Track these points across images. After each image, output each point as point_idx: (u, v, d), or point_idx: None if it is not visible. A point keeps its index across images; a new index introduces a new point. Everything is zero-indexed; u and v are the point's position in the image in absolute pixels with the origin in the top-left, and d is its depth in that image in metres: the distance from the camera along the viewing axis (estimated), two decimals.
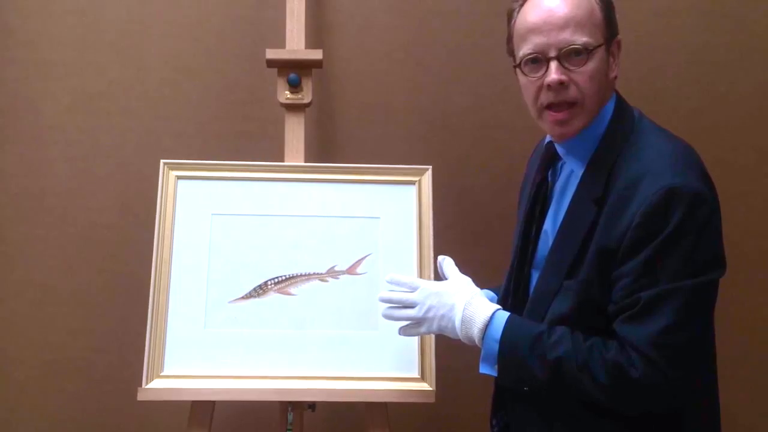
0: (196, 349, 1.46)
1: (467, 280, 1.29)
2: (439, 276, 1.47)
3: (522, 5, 1.19)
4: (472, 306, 1.20)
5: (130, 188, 1.80)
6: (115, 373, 1.80)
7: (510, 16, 1.22)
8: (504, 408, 1.30)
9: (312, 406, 1.53)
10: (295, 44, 1.66)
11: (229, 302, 1.49)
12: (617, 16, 1.21)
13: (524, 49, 1.17)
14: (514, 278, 1.29)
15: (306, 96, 1.65)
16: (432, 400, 1.44)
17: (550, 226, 1.24)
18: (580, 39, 1.14)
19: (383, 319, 1.33)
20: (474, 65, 1.81)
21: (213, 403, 1.48)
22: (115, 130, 1.81)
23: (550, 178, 1.27)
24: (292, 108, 1.65)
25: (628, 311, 1.08)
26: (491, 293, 1.38)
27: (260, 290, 1.50)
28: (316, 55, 1.65)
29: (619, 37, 1.20)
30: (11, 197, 1.81)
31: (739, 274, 1.83)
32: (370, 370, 1.45)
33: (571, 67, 1.14)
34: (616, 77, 1.20)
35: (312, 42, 1.75)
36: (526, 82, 1.18)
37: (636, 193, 1.09)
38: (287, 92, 1.65)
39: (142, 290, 1.50)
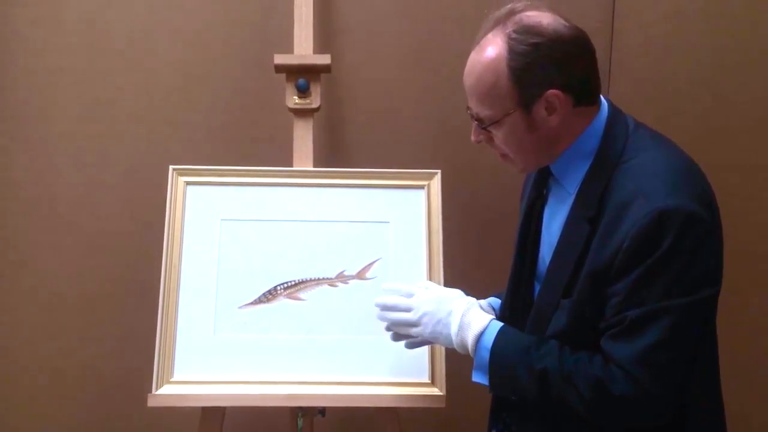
0: (206, 354, 1.46)
1: (459, 291, 1.30)
2: (446, 282, 1.48)
3: None
4: (470, 313, 1.21)
5: (140, 194, 1.80)
6: (124, 379, 1.81)
7: None
8: (503, 418, 1.30)
9: (322, 411, 1.52)
10: (303, 49, 1.67)
11: (239, 308, 1.49)
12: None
13: None
14: (512, 291, 1.31)
15: (314, 101, 1.65)
16: (443, 405, 1.43)
17: (546, 241, 1.24)
18: (482, 112, 1.15)
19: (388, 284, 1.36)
20: None
21: (223, 409, 1.48)
22: (124, 136, 1.81)
23: (545, 194, 1.27)
24: (301, 113, 1.65)
25: (614, 329, 1.08)
26: (497, 300, 1.38)
27: (270, 295, 1.50)
28: (324, 60, 1.65)
29: (553, 91, 1.10)
30: (21, 204, 1.82)
31: (749, 276, 1.82)
32: (381, 375, 1.45)
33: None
34: (561, 122, 1.13)
35: (320, 47, 1.75)
36: None
37: (627, 214, 1.07)
38: (295, 97, 1.65)
39: (151, 296, 1.50)
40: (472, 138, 1.20)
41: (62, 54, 1.79)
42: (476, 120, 1.17)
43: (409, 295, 1.28)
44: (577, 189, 1.17)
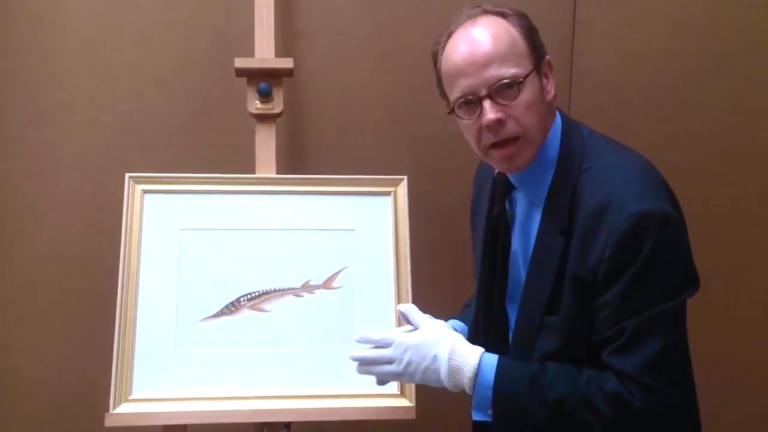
0: (167, 370, 1.41)
1: (441, 324, 1.22)
2: (414, 290, 1.45)
3: (444, 46, 1.16)
4: (456, 354, 1.13)
5: (94, 203, 1.74)
6: (80, 397, 1.74)
7: (434, 58, 1.19)
8: None
9: (287, 425, 1.49)
10: (265, 53, 1.63)
11: (201, 320, 1.45)
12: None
13: (455, 93, 1.14)
14: (485, 313, 1.27)
15: (277, 106, 1.61)
16: (412, 416, 1.41)
17: (520, 257, 1.21)
18: (508, 72, 1.10)
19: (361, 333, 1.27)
20: None
21: (185, 427, 1.43)
22: (78, 142, 1.75)
23: (508, 207, 1.24)
24: (263, 118, 1.61)
25: (614, 342, 1.07)
26: (460, 324, 1.35)
27: (232, 307, 1.46)
28: (287, 63, 1.61)
29: (548, 57, 1.16)
30: None
31: (709, 279, 1.84)
32: (349, 387, 1.42)
33: (505, 102, 1.10)
34: (555, 97, 1.17)
35: (282, 51, 1.72)
36: (465, 124, 1.16)
37: (603, 221, 1.07)
38: (257, 102, 1.61)
39: (108, 310, 1.45)
40: (490, 116, 1.10)
41: (13, 56, 1.72)
42: (502, 86, 1.09)
43: (388, 344, 1.18)
44: (543, 201, 1.16)
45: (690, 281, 1.10)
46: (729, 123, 1.84)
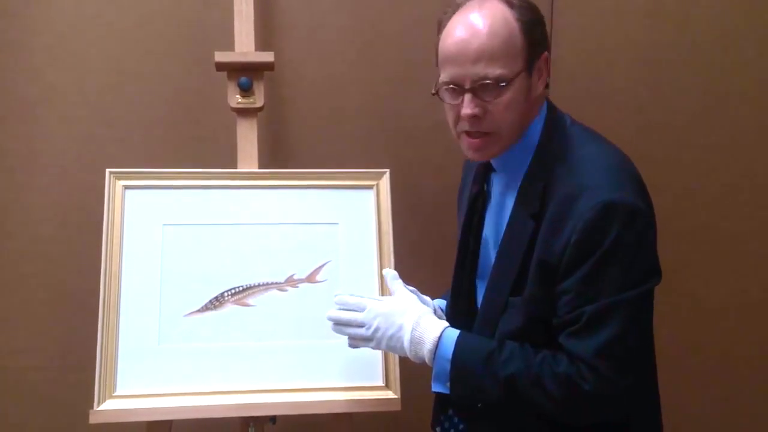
0: (151, 366, 1.40)
1: (413, 297, 1.27)
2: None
3: (449, 20, 1.15)
4: (420, 326, 1.19)
5: (73, 199, 1.72)
6: (64, 395, 1.73)
7: (438, 26, 1.18)
8: (449, 416, 1.30)
9: (273, 419, 1.49)
10: (245, 46, 1.62)
11: (185, 316, 1.44)
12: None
13: (443, 76, 1.15)
14: (456, 290, 1.31)
15: (258, 100, 1.60)
16: (398, 408, 1.42)
17: (490, 237, 1.24)
18: (494, 72, 1.10)
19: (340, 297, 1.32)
20: (427, 66, 1.78)
21: (170, 422, 1.42)
22: (55, 138, 1.72)
23: (486, 189, 1.27)
24: (244, 112, 1.60)
25: (572, 326, 1.09)
26: (444, 302, 1.38)
27: (216, 302, 1.45)
28: (268, 57, 1.60)
29: (546, 54, 1.15)
30: None
31: (684, 268, 1.88)
32: (333, 380, 1.42)
33: (486, 99, 1.11)
34: (545, 87, 1.17)
35: (262, 44, 1.71)
36: (446, 106, 1.17)
37: (573, 208, 1.08)
38: (238, 96, 1.60)
39: (90, 306, 1.43)
40: (467, 111, 1.12)
41: None
42: (485, 85, 1.10)
43: (361, 309, 1.25)
44: (519, 185, 1.18)
45: (652, 273, 1.11)
46: (702, 114, 1.87)
